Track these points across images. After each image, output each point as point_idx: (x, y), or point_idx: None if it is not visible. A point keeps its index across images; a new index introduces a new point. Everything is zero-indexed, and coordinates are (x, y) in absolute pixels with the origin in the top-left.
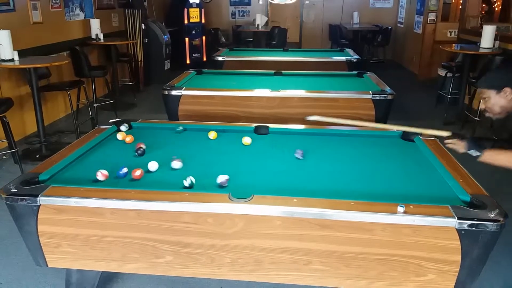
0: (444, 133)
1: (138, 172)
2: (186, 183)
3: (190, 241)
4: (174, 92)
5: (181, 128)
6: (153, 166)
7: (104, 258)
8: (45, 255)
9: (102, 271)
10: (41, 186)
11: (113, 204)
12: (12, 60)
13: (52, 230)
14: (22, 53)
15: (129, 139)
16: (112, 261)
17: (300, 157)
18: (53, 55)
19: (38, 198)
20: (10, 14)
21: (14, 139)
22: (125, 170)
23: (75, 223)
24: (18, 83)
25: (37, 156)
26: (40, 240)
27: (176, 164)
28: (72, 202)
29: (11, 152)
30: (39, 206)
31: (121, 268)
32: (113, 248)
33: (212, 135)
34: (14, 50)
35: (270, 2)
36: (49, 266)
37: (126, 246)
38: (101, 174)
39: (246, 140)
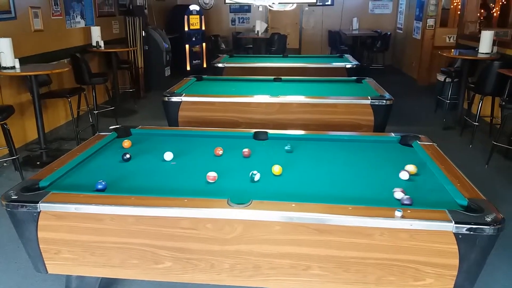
0: None
1: (212, 177)
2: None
3: (189, 247)
4: (174, 99)
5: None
6: (168, 156)
7: (104, 264)
8: (45, 262)
9: (102, 277)
10: (41, 193)
11: (113, 210)
12: (13, 67)
13: (52, 237)
14: (23, 61)
15: (127, 144)
16: (111, 267)
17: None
18: (54, 63)
19: (38, 204)
20: (11, 22)
21: (15, 146)
22: (103, 183)
23: (75, 229)
24: (19, 91)
25: (38, 163)
26: (40, 246)
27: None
28: (72, 208)
29: (12, 159)
30: (39, 212)
31: (121, 274)
32: (112, 254)
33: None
34: (15, 57)
35: (269, 9)
36: (49, 272)
37: (126, 252)
38: (212, 177)
39: (275, 169)
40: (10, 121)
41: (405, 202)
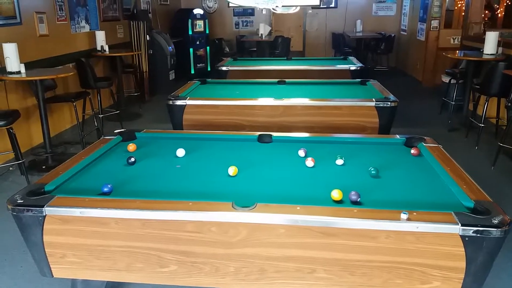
0: None
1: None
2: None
3: (194, 250)
4: (178, 102)
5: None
6: (180, 152)
7: (109, 268)
8: (51, 266)
9: (107, 281)
10: (46, 197)
11: (118, 213)
12: (19, 72)
13: (57, 240)
14: (28, 66)
15: (132, 148)
16: (117, 271)
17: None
18: (59, 67)
19: (43, 208)
20: (17, 28)
21: (21, 151)
22: (109, 186)
23: (80, 233)
24: (25, 95)
25: (43, 167)
26: (46, 250)
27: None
28: (77, 212)
29: (18, 163)
30: (44, 216)
31: (126, 278)
32: (117, 258)
33: (336, 194)
34: (21, 62)
35: (273, 12)
36: (54, 276)
37: (131, 256)
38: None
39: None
40: (16, 125)
41: (353, 197)
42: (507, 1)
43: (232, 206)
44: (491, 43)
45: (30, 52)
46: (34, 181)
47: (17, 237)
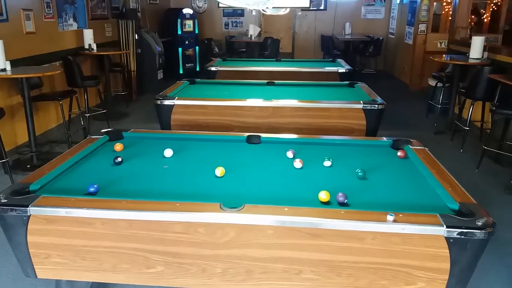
0: None
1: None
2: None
3: (181, 251)
4: (166, 102)
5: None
6: (168, 153)
7: (95, 269)
8: (35, 266)
9: (92, 282)
10: (31, 196)
11: (104, 214)
12: (4, 70)
13: (42, 241)
14: (14, 63)
15: (119, 147)
16: (102, 272)
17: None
18: (46, 65)
19: (28, 208)
20: (3, 24)
21: (5, 149)
22: (95, 186)
23: (66, 234)
24: (10, 93)
25: (28, 166)
26: (30, 250)
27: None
28: (62, 212)
29: (2, 162)
30: (29, 216)
31: (112, 278)
32: (103, 258)
33: (324, 196)
34: (6, 60)
35: (263, 13)
36: (38, 277)
37: (117, 257)
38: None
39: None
40: (0, 123)
41: (340, 199)
42: (493, 7)
43: (220, 207)
44: (477, 47)
45: (16, 50)
46: (18, 180)
47: (0, 237)
